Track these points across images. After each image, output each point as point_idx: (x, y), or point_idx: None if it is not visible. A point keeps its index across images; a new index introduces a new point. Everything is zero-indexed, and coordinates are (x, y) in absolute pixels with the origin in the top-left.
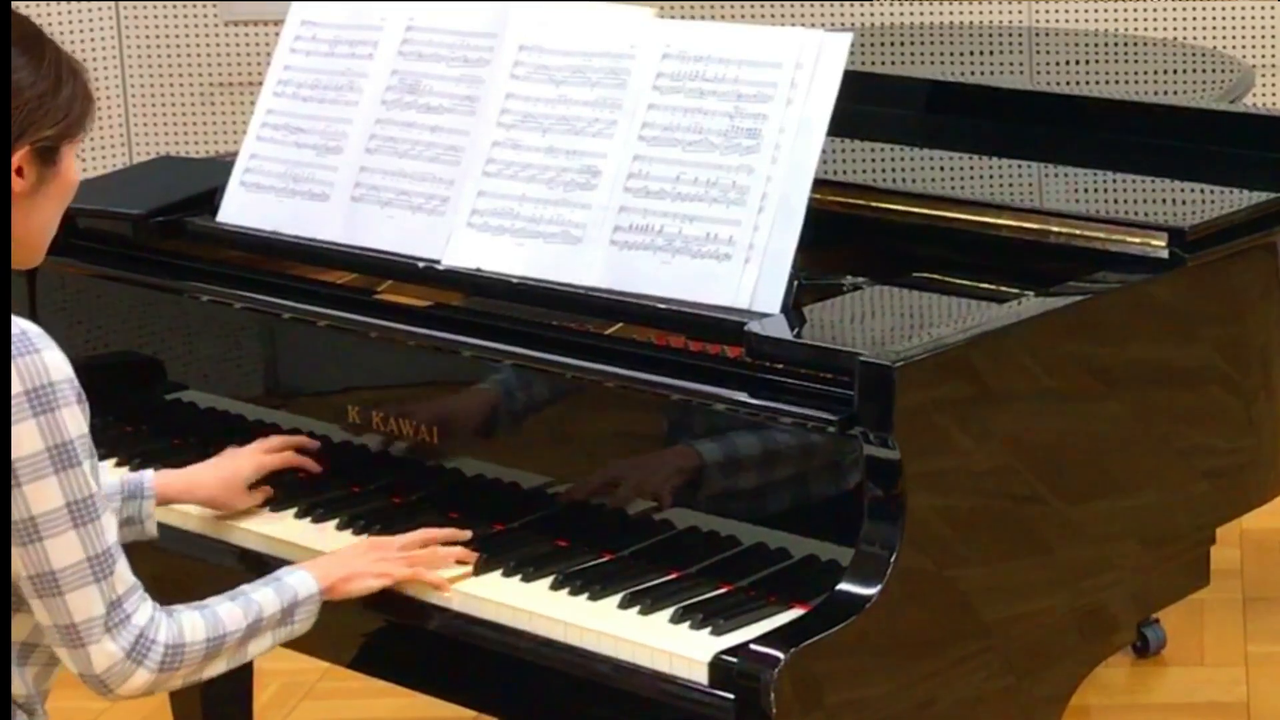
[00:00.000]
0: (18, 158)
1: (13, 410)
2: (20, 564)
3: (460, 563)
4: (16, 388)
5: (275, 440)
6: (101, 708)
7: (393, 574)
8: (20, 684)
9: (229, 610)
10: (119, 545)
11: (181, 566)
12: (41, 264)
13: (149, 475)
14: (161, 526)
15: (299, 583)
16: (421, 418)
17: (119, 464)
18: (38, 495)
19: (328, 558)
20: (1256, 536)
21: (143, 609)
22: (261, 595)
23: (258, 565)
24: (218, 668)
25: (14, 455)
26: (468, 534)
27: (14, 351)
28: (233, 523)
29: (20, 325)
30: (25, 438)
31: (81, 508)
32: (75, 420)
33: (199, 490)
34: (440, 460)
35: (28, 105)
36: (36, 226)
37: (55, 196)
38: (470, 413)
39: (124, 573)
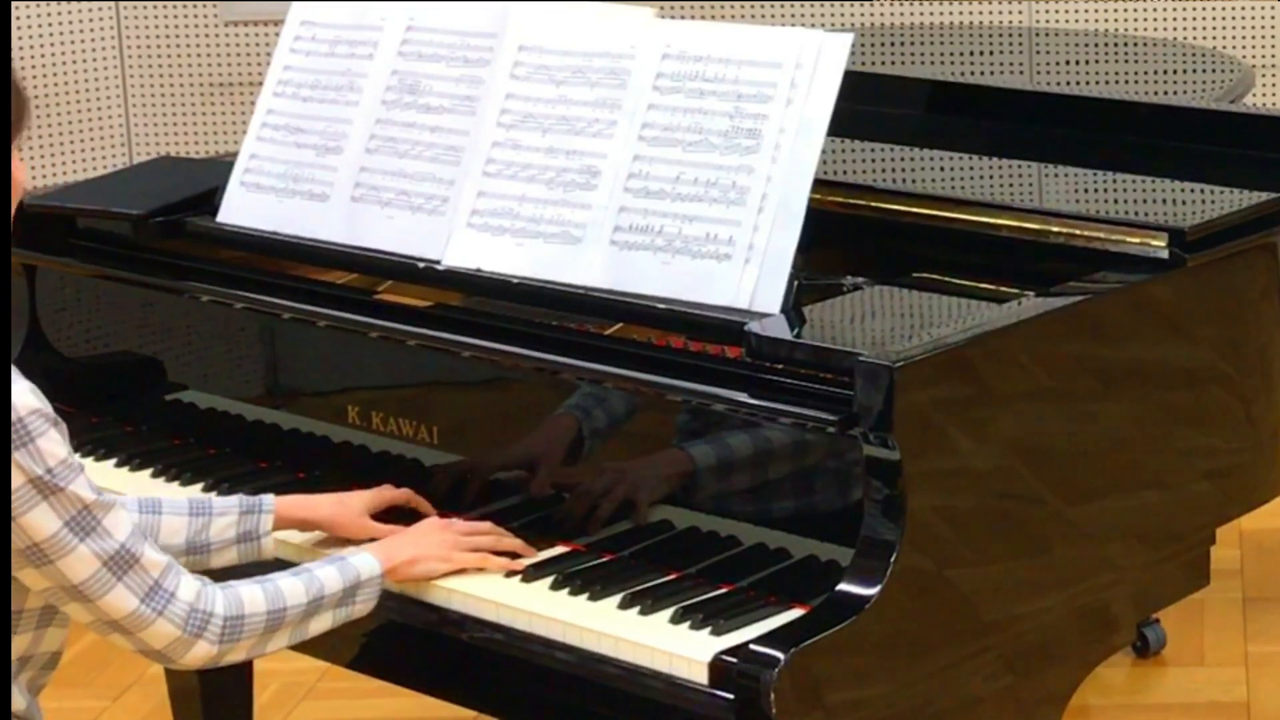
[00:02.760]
0: None
1: None
2: (39, 581)
3: (511, 572)
4: None
5: (398, 490)
6: (101, 708)
7: (458, 561)
8: (18, 696)
9: (290, 585)
10: (136, 533)
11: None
12: (41, 264)
13: (269, 496)
14: None
15: (362, 564)
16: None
17: (119, 464)
18: (34, 524)
19: (393, 540)
20: (1256, 536)
21: (185, 583)
22: (324, 573)
23: (257, 565)
24: (279, 643)
25: None
26: (532, 552)
27: None
28: None
29: None
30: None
31: (80, 521)
32: (52, 447)
33: (317, 509)
34: (440, 460)
35: None
36: None
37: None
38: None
39: (152, 557)
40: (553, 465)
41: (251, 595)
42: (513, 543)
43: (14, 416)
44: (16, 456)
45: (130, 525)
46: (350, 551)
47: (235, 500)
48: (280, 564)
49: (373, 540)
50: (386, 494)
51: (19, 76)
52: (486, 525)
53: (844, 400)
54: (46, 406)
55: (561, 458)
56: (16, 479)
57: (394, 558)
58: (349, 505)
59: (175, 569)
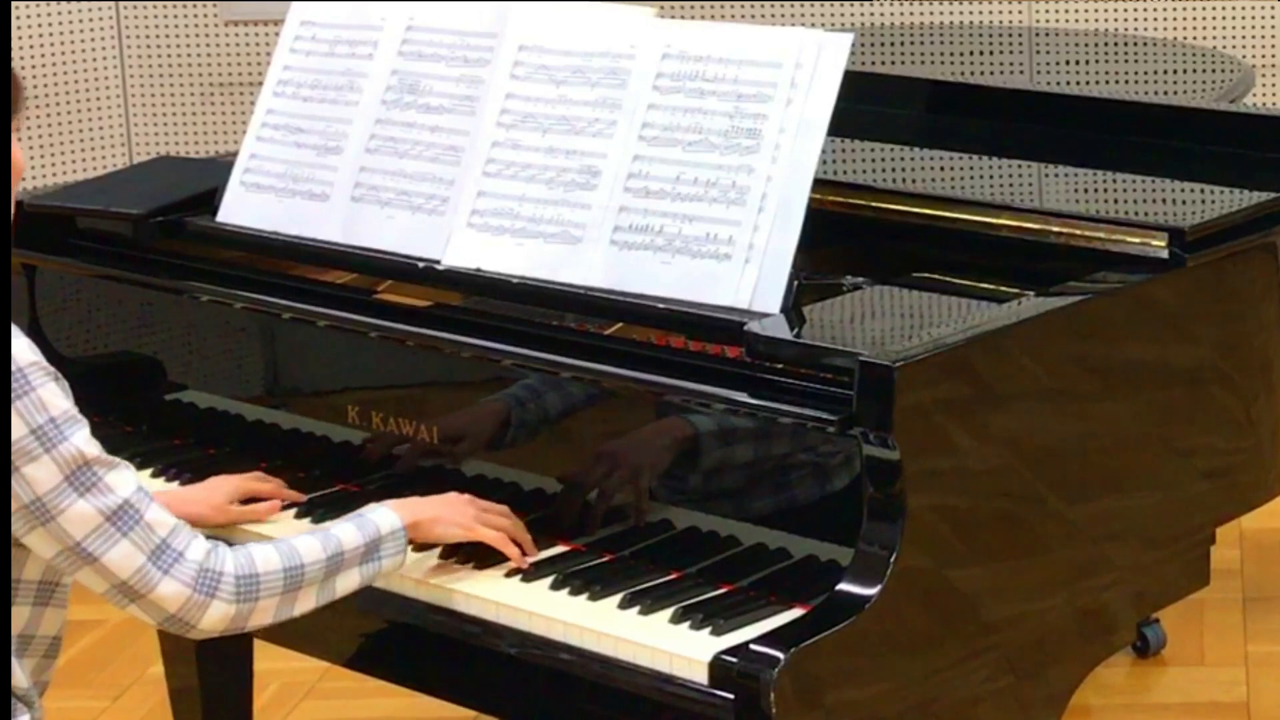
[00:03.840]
0: None
1: None
2: (49, 544)
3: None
4: None
5: (265, 480)
6: (101, 707)
7: (479, 532)
8: (20, 676)
9: (306, 543)
10: (142, 493)
11: None
12: (41, 264)
13: None
14: None
15: (381, 519)
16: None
17: None
18: (35, 476)
19: (414, 500)
20: (1256, 536)
21: (195, 544)
22: (341, 530)
23: None
24: (306, 603)
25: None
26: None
27: None
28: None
29: None
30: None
31: (81, 476)
32: (54, 398)
33: (184, 506)
34: (440, 460)
35: None
36: None
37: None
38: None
39: (160, 517)
40: (475, 446)
41: (265, 554)
42: (525, 536)
43: (14, 367)
44: (18, 405)
45: (134, 483)
46: (369, 508)
47: None
48: None
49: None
50: (253, 483)
51: (14, 67)
52: (504, 509)
53: (844, 400)
54: (44, 361)
55: (485, 441)
56: (18, 429)
57: (417, 514)
58: (215, 493)
59: (184, 530)
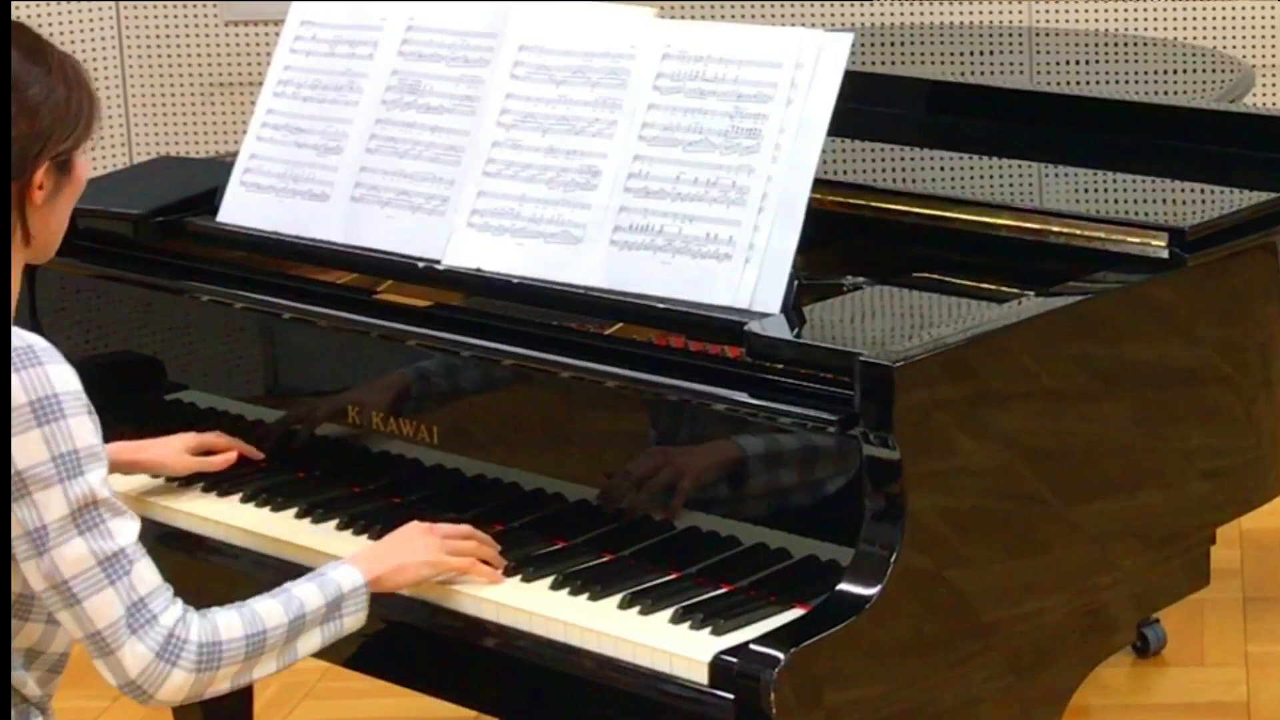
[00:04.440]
0: (39, 175)
1: (16, 422)
2: (37, 578)
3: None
4: (20, 399)
5: (222, 437)
6: (102, 707)
7: (444, 563)
8: (31, 685)
9: (268, 607)
10: (139, 548)
11: (185, 566)
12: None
13: None
14: (163, 528)
15: (343, 576)
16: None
17: None
18: (45, 504)
19: (374, 548)
20: (1256, 536)
21: (170, 610)
22: (303, 590)
23: (258, 566)
24: (267, 668)
25: (20, 466)
26: (500, 560)
27: (19, 364)
28: (233, 523)
29: (28, 339)
30: (31, 447)
31: (86, 515)
32: (83, 430)
33: (143, 450)
34: (440, 460)
35: (44, 124)
36: (54, 228)
37: (69, 197)
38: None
39: (146, 574)
40: (381, 409)
41: (228, 621)
42: (491, 551)
43: (50, 390)
44: (44, 430)
45: (134, 535)
46: (331, 565)
47: None
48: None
49: (197, 473)
50: (211, 438)
51: (86, 73)
52: (467, 529)
53: (844, 400)
54: (84, 395)
55: (386, 405)
56: (40, 453)
57: (378, 567)
58: (171, 444)
59: (164, 592)
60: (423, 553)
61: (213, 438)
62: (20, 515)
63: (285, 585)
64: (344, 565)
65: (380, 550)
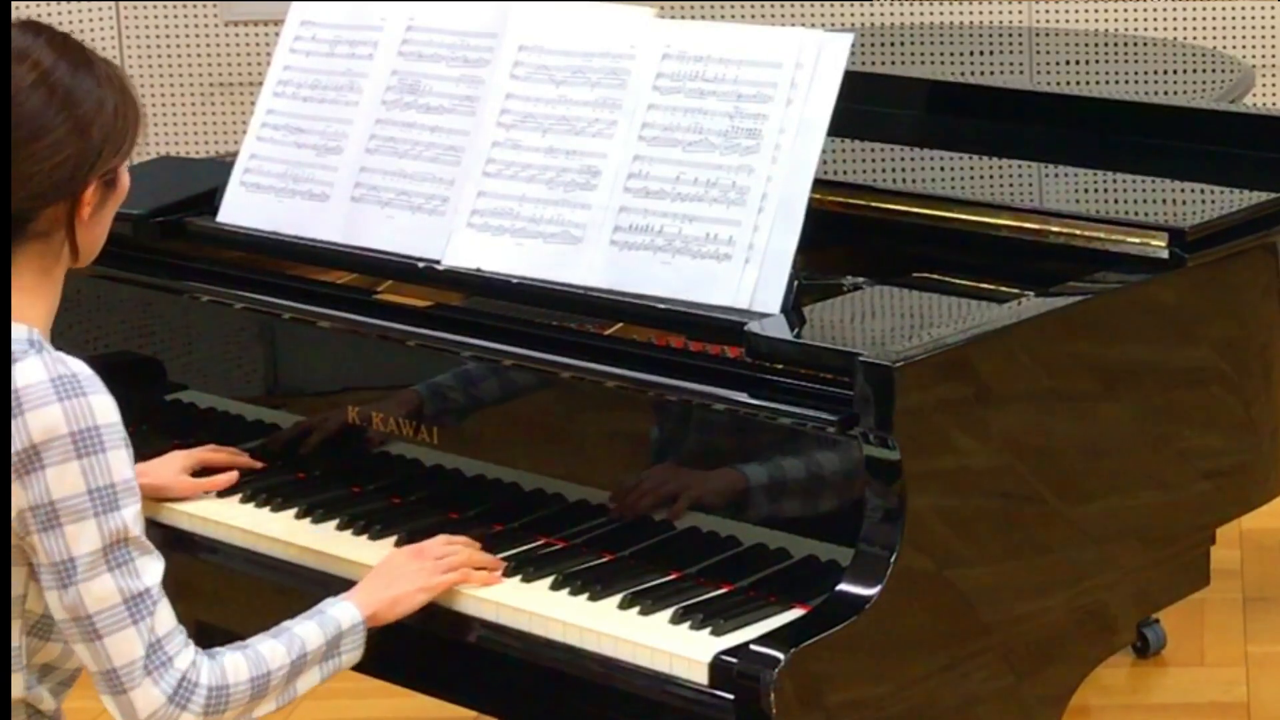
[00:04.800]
0: (88, 193)
1: (56, 452)
2: (58, 608)
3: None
4: (61, 429)
5: (218, 450)
6: (101, 708)
7: (439, 584)
8: (47, 699)
9: (271, 648)
10: (160, 590)
11: (186, 567)
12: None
13: None
14: (164, 528)
15: (342, 614)
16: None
17: None
18: (76, 537)
19: (368, 583)
20: (1256, 536)
21: (184, 653)
22: (304, 629)
23: (258, 565)
24: (266, 707)
25: (55, 496)
26: (494, 560)
27: (61, 394)
28: (234, 524)
29: (71, 367)
30: (69, 479)
31: (118, 552)
32: (120, 464)
33: (145, 478)
34: (440, 460)
35: (95, 141)
36: (97, 237)
37: (113, 207)
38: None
39: (166, 615)
40: (387, 416)
41: (235, 664)
42: (483, 557)
43: (91, 422)
44: (83, 463)
45: (160, 575)
46: (329, 603)
47: None
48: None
49: (192, 496)
50: (206, 454)
51: (128, 80)
52: (446, 539)
53: (844, 400)
54: (121, 426)
55: (397, 415)
56: (77, 485)
57: (373, 602)
58: (168, 466)
59: (179, 635)
60: (416, 579)
61: (204, 453)
62: (47, 545)
63: (284, 624)
64: (341, 602)
65: (374, 585)
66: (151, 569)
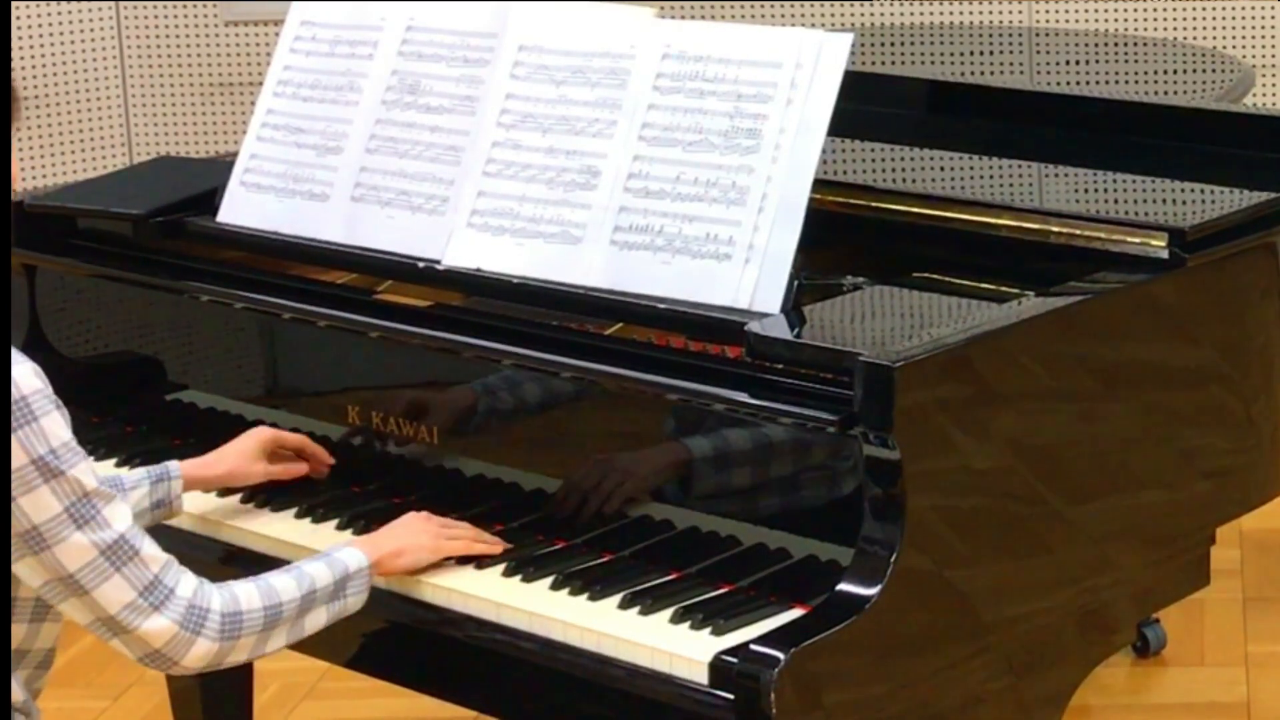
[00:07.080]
0: None
1: None
2: (38, 573)
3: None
4: None
5: (291, 435)
6: (101, 708)
7: (443, 549)
8: (16, 690)
9: (282, 581)
10: (136, 529)
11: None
12: (41, 264)
13: (174, 462)
14: (164, 527)
15: (349, 557)
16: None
17: (119, 464)
18: (33, 506)
19: (379, 533)
20: (1256, 536)
21: (184, 580)
22: (313, 568)
23: (259, 565)
24: (278, 641)
25: None
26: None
27: None
28: (233, 523)
29: None
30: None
31: (79, 508)
32: (56, 428)
33: (217, 465)
34: (440, 460)
35: None
36: None
37: None
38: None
39: (152, 552)
40: (443, 424)
41: (246, 592)
42: (487, 536)
43: (17, 394)
44: (19, 435)
45: (130, 518)
46: (335, 547)
47: (144, 472)
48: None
49: (272, 482)
50: (281, 435)
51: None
52: (465, 525)
53: (844, 400)
54: (49, 389)
55: (452, 425)
56: (18, 458)
57: (380, 549)
58: (245, 453)
59: (174, 566)
60: (421, 537)
61: (286, 435)
62: None
63: (294, 563)
64: (348, 547)
65: (381, 535)
66: (119, 514)
